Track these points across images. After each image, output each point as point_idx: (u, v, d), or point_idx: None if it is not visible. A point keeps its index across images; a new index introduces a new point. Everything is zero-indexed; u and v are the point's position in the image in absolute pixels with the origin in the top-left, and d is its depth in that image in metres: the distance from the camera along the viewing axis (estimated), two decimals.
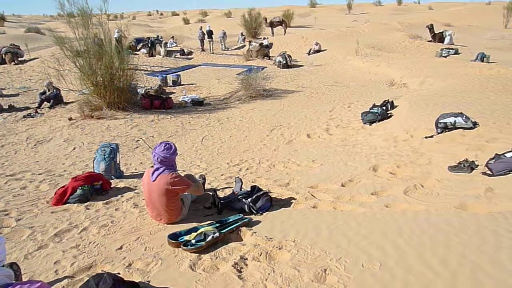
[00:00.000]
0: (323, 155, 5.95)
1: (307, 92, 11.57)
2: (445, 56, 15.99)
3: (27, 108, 9.91)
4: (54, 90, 10.13)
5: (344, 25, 31.53)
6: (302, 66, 16.48)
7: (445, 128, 5.74)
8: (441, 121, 5.81)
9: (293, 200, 4.02)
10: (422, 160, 5.01)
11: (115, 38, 10.31)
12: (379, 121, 7.32)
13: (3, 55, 16.41)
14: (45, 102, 9.97)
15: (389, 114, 7.59)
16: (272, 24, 28.09)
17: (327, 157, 5.76)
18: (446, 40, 19.49)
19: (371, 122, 7.35)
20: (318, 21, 40.49)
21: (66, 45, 9.50)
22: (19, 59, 16.77)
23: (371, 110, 7.67)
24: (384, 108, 7.75)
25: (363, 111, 7.97)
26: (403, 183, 4.24)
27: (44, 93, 10.12)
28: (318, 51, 19.39)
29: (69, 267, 2.91)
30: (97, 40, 9.63)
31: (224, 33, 22.76)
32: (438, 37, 20.00)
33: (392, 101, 8.10)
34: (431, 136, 5.75)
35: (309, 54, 19.24)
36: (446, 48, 17.12)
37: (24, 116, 9.18)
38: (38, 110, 9.65)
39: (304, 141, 7.08)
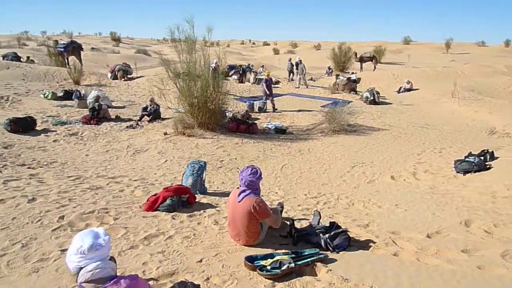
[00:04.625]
0: (407, 200, 5.63)
1: (394, 131, 11.12)
2: None
3: (130, 119, 11.15)
4: (155, 106, 11.28)
5: (441, 65, 29.84)
6: (391, 104, 15.93)
7: None
8: None
9: (372, 244, 3.86)
10: None
11: (212, 67, 11.21)
12: (475, 171, 6.70)
13: (116, 72, 18.85)
14: (145, 116, 11.12)
15: (488, 166, 6.91)
16: (362, 59, 27.82)
17: (412, 203, 5.44)
18: None
19: (465, 172, 6.77)
20: (411, 58, 39.01)
21: (171, 67, 10.59)
22: (128, 76, 19.10)
23: (467, 159, 7.07)
24: (482, 158, 7.09)
25: (456, 158, 7.39)
26: (501, 244, 3.80)
27: (146, 108, 11.32)
28: (409, 89, 18.59)
29: (155, 270, 3.16)
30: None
31: (303, 66, 19.74)
32: None
33: (492, 152, 7.37)
34: None
35: (399, 92, 18.56)
36: None
37: (127, 127, 10.34)
38: (139, 122, 10.80)
39: (388, 183, 6.78)
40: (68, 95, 13.16)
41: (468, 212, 4.92)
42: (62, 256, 3.28)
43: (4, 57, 22.35)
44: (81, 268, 2.10)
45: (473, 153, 7.38)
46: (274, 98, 14.37)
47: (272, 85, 14.11)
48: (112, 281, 2.05)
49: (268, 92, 13.93)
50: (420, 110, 14.67)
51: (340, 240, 3.68)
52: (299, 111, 13.89)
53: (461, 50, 52.18)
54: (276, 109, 13.83)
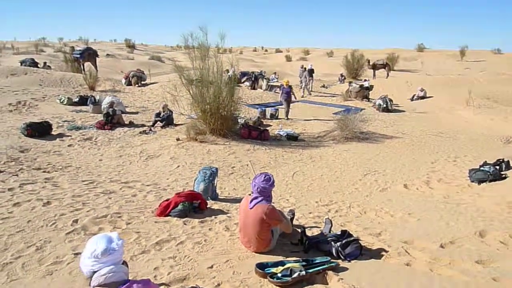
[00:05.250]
0: (421, 209, 5.55)
1: (407, 139, 11.00)
2: None
3: (143, 125, 11.28)
4: (168, 112, 11.40)
5: (455, 72, 29.47)
6: (404, 111, 15.78)
7: None
8: None
9: (384, 253, 3.81)
10: None
11: (230, 75, 11.35)
12: (490, 181, 6.58)
13: (130, 78, 19.13)
14: (158, 122, 11.24)
15: (503, 175, 6.78)
16: (374, 67, 27.65)
17: (426, 213, 5.35)
18: None
19: (480, 181, 6.65)
20: (425, 66, 38.65)
21: (184, 73, 10.71)
22: (142, 82, 19.36)
23: (481, 168, 6.96)
24: (497, 167, 6.97)
25: (471, 167, 7.27)
26: None
27: (159, 114, 11.45)
28: (423, 97, 18.40)
29: (166, 275, 3.18)
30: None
31: (310, 71, 19.91)
32: None
33: (508, 161, 7.24)
34: None
35: (412, 100, 18.38)
36: None
37: (140, 132, 10.46)
38: (152, 128, 10.92)
39: (400, 191, 6.70)
40: (83, 101, 13.38)
41: (483, 222, 4.82)
42: (75, 260, 3.34)
43: (22, 63, 22.94)
44: (94, 272, 2.13)
45: (488, 162, 7.26)
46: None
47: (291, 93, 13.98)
48: (124, 286, 2.07)
49: (286, 100, 13.75)
50: (434, 118, 14.49)
51: (352, 248, 3.65)
52: (311, 118, 13.86)
53: (476, 58, 51.33)
54: (288, 118, 13.78)
